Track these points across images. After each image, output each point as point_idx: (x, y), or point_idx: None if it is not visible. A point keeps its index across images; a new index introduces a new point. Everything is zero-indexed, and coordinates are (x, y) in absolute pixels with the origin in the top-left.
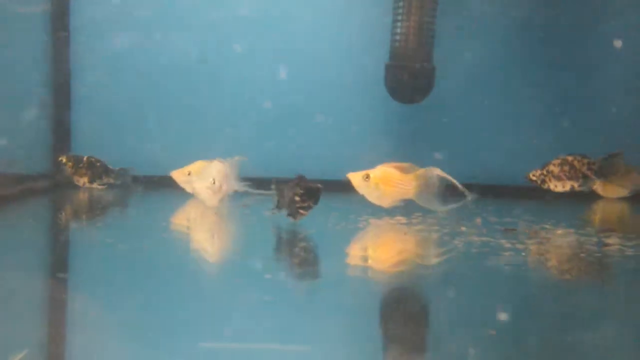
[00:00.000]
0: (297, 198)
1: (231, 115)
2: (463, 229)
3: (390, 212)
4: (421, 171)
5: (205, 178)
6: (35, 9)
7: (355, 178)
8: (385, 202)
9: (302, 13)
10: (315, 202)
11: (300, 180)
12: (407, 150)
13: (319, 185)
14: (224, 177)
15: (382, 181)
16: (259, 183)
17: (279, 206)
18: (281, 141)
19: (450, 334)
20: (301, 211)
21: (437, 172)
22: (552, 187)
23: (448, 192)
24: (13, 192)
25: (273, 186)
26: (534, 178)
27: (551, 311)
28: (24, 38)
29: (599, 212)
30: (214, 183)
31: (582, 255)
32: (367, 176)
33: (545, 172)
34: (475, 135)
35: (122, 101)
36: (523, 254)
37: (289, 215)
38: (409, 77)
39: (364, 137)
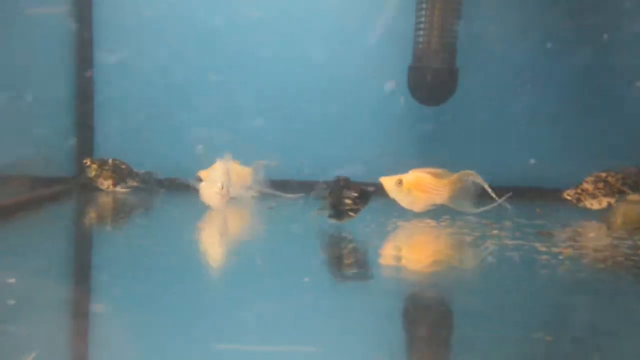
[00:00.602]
0: (348, 201)
1: (255, 118)
2: (495, 232)
3: (418, 215)
4: (455, 176)
5: (211, 182)
6: (58, 10)
7: (388, 182)
8: (418, 207)
9: (324, 15)
10: (365, 204)
11: (346, 182)
12: (431, 153)
13: (372, 188)
14: (229, 180)
15: (415, 186)
16: (282, 186)
17: (323, 208)
18: (305, 144)
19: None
20: (351, 213)
21: (472, 176)
22: (587, 205)
23: (482, 195)
24: (36, 196)
25: (324, 186)
26: (569, 197)
27: (594, 315)
28: (47, 40)
29: (625, 213)
30: (222, 188)
31: (619, 258)
32: (400, 181)
33: (579, 190)
34: (502, 137)
35: (146, 104)
36: (560, 257)
37: (331, 217)
38: (432, 79)
39: (386, 140)
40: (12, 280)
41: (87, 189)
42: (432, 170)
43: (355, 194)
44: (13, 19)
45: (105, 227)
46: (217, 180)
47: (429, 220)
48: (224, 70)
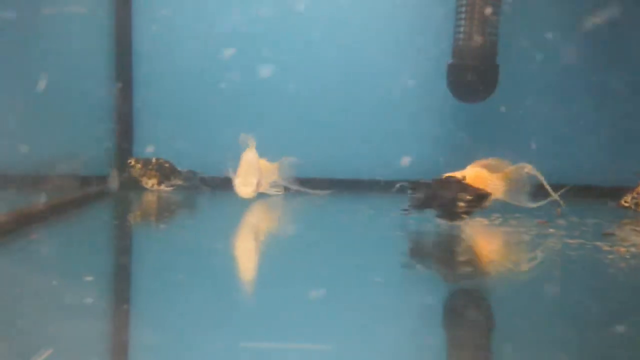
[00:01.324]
0: (462, 204)
1: (290, 117)
2: (551, 230)
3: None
4: (511, 169)
5: (244, 176)
6: (97, 9)
7: None
8: None
9: (362, 12)
10: (480, 207)
11: (459, 183)
12: (472, 149)
13: (489, 191)
14: (261, 172)
15: (477, 182)
16: (316, 184)
17: (413, 206)
18: (340, 142)
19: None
20: (463, 215)
21: (527, 169)
22: None
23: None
24: (82, 194)
25: (409, 185)
26: (627, 204)
27: None
28: (86, 40)
29: None
30: (257, 184)
31: None
32: (464, 177)
33: (635, 194)
34: (544, 133)
35: (186, 103)
36: (627, 256)
37: (441, 217)
38: (472, 76)
39: (426, 137)
40: (89, 278)
41: (131, 187)
42: (487, 162)
43: (470, 197)
44: (54, 24)
45: (160, 224)
46: (250, 174)
47: (479, 219)
48: (261, 71)
